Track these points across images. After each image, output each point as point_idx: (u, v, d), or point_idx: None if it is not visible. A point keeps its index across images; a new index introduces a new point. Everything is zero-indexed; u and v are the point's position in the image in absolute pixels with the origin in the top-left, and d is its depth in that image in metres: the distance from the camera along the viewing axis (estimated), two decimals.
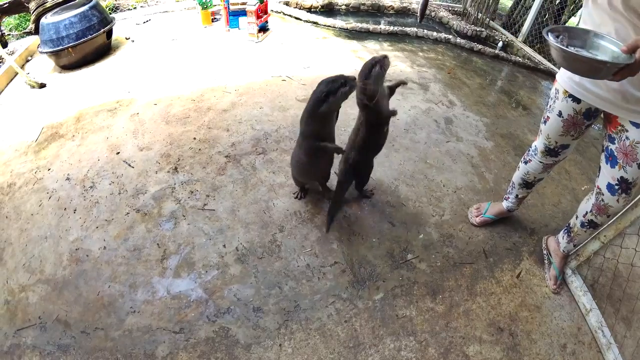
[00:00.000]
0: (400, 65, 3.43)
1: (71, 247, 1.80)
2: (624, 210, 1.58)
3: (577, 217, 1.74)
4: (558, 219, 2.22)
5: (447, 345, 1.61)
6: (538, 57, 4.04)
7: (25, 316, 1.58)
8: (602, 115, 1.50)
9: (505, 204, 2.05)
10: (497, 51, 4.02)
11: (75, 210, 1.97)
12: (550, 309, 1.81)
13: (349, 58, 3.44)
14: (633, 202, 1.54)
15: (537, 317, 1.77)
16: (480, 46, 4.01)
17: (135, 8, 3.79)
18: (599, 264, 1.84)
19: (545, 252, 2.01)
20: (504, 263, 1.97)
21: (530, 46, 4.22)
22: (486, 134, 2.72)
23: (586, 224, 1.68)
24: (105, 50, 3.23)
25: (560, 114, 1.54)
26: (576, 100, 1.46)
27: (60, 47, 3.00)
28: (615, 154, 1.43)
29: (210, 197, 1.98)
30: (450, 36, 4.10)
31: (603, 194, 1.52)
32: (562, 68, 1.53)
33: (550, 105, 1.59)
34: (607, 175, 1.49)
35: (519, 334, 1.70)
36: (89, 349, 1.48)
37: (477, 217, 2.08)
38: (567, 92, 1.48)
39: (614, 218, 1.65)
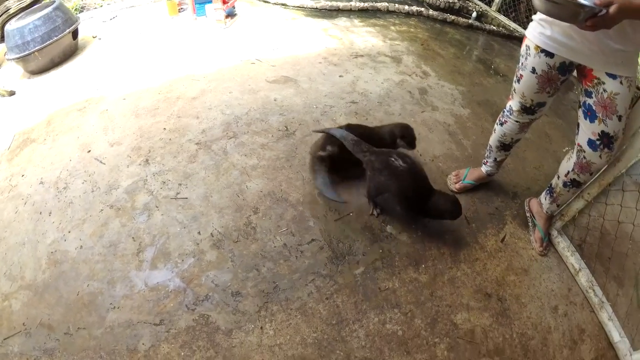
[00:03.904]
0: (371, 40, 3.33)
1: (49, 250, 1.73)
2: (606, 167, 1.52)
3: (558, 177, 1.69)
4: (540, 181, 2.17)
5: (433, 315, 1.56)
6: (513, 25, 3.97)
7: (10, 324, 1.51)
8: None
9: (484, 169, 1.99)
10: (471, 21, 3.91)
11: (50, 212, 1.89)
12: (538, 272, 1.77)
13: (320, 36, 3.33)
14: (615, 157, 1.48)
15: (525, 280, 1.73)
16: (453, 17, 3.90)
17: (101, 6, 3.64)
18: (584, 223, 1.78)
19: (528, 214, 1.96)
20: (487, 228, 1.92)
21: (504, 15, 4.12)
22: (462, 102, 2.64)
23: (569, 183, 1.62)
24: (72, 50, 3.09)
25: (533, 71, 1.47)
26: (549, 54, 1.39)
27: (27, 52, 2.87)
28: (594, 108, 1.36)
29: (182, 186, 1.90)
30: (423, 9, 3.98)
31: (584, 151, 1.46)
32: (531, 24, 1.46)
33: (522, 63, 1.52)
34: (587, 131, 1.42)
35: (508, 299, 1.65)
36: (73, 350, 1.42)
37: (456, 183, 2.02)
38: (538, 47, 1.41)
39: (597, 175, 1.59)
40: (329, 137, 1.87)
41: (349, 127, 1.90)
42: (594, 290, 1.68)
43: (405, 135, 1.96)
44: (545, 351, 1.53)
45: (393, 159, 1.70)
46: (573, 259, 1.78)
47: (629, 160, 1.48)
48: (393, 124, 2.05)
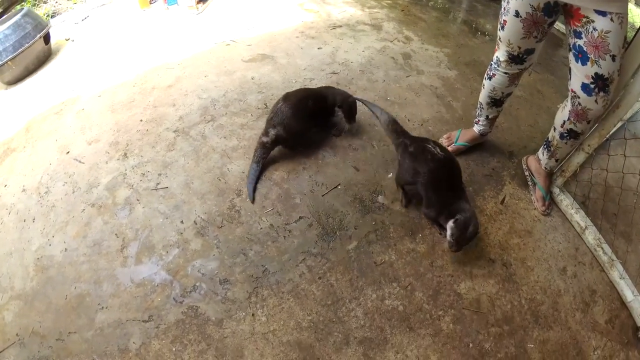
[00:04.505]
0: (349, 10, 3.15)
1: (35, 256, 1.63)
2: (605, 114, 1.38)
3: (554, 129, 1.55)
4: (537, 139, 2.03)
5: (435, 286, 1.45)
6: None
7: (5, 337, 1.43)
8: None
9: (476, 128, 1.85)
10: None
11: (34, 219, 1.79)
12: (542, 232, 1.65)
13: (295, 11, 3.14)
14: (612, 102, 1.34)
15: (529, 242, 1.61)
16: None
17: (72, 8, 3.49)
18: (586, 178, 1.66)
19: (527, 173, 1.83)
20: (484, 190, 1.79)
21: None
22: (448, 64, 2.49)
23: (565, 134, 1.49)
24: (46, 56, 2.95)
25: (517, 14, 1.32)
26: None
27: (0, 63, 2.74)
28: (585, 49, 1.22)
29: (162, 176, 1.78)
30: None
31: (579, 97, 1.32)
32: None
33: (504, 8, 1.38)
34: (579, 75, 1.28)
35: (513, 263, 1.53)
36: (65, 356, 1.34)
37: (448, 146, 1.88)
38: None
39: (596, 124, 1.44)
40: (271, 120, 1.73)
41: (287, 96, 1.77)
42: (602, 248, 1.56)
43: (343, 105, 1.83)
44: (556, 316, 1.43)
45: (430, 146, 1.52)
46: (578, 217, 1.66)
47: (628, 106, 1.35)
48: (340, 91, 1.89)
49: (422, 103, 2.16)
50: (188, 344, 1.31)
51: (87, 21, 3.29)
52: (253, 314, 1.36)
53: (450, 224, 1.41)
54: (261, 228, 1.57)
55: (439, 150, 1.51)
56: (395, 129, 1.66)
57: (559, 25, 3.04)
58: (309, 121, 1.75)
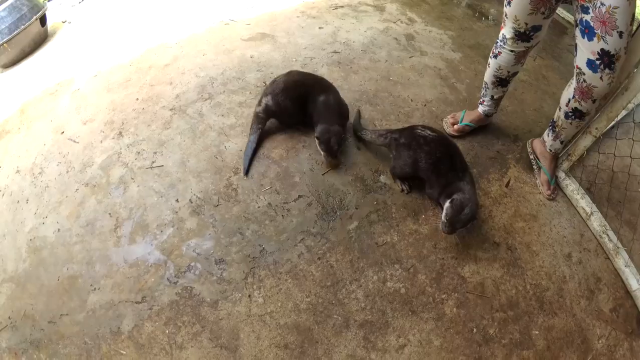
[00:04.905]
0: None
1: (27, 237, 1.57)
2: (611, 94, 1.32)
3: (560, 108, 1.49)
4: (542, 123, 1.96)
5: (438, 269, 1.39)
6: None
7: None
8: None
9: (481, 109, 1.78)
10: None
11: (27, 200, 1.73)
12: (547, 217, 1.58)
13: None
14: (622, 85, 1.27)
15: (534, 226, 1.55)
16: None
17: None
18: (593, 163, 1.60)
19: (532, 156, 1.76)
20: (489, 173, 1.72)
21: None
22: (452, 46, 2.41)
23: (570, 113, 1.43)
24: (42, 38, 2.87)
25: None
26: None
27: None
28: (592, 24, 1.17)
29: (157, 154, 1.70)
30: None
31: (584, 74, 1.26)
32: None
33: None
34: (585, 51, 1.23)
35: (518, 247, 1.47)
36: (57, 339, 1.30)
37: (453, 125, 1.80)
38: None
39: (603, 107, 1.39)
40: (266, 89, 1.69)
41: (290, 72, 1.72)
42: (607, 235, 1.50)
43: (320, 136, 1.55)
44: (561, 302, 1.37)
45: (419, 131, 1.49)
46: (583, 203, 1.59)
47: (636, 90, 1.28)
48: (333, 112, 1.63)
49: (426, 84, 2.08)
50: (182, 326, 1.25)
51: (84, 4, 3.21)
52: (249, 295, 1.29)
53: (446, 204, 1.35)
54: (259, 207, 1.50)
55: (429, 132, 1.48)
56: (380, 133, 1.63)
57: (564, 13, 2.95)
58: (297, 104, 1.65)
